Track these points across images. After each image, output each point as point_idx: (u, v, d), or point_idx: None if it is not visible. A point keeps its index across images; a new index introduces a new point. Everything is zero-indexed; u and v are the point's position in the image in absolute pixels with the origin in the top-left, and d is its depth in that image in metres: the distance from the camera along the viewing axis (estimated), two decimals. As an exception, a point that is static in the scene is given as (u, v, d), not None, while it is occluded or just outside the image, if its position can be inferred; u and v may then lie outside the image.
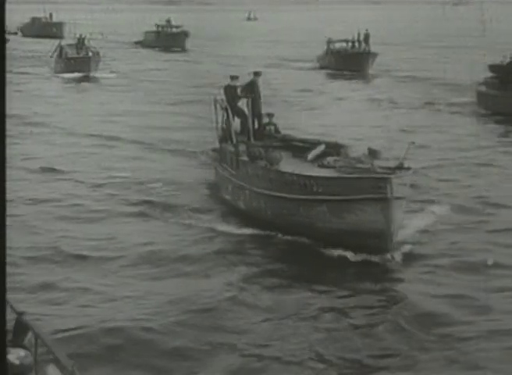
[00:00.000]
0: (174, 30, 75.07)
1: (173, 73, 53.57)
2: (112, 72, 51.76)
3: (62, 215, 19.54)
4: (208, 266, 15.92)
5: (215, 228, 18.04)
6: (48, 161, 25.41)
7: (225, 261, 16.20)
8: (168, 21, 75.68)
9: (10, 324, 7.69)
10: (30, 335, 7.37)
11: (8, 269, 13.36)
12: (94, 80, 48.85)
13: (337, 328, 12.97)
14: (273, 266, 16.00)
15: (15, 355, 7.05)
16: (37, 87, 45.96)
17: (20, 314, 7.50)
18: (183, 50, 71.09)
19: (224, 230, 17.88)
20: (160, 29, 75.40)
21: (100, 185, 22.41)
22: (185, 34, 73.19)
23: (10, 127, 32.07)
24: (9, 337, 7.61)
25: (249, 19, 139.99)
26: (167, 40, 73.24)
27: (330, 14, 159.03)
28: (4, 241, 4.24)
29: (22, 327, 7.48)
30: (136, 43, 76.87)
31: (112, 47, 69.23)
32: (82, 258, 16.29)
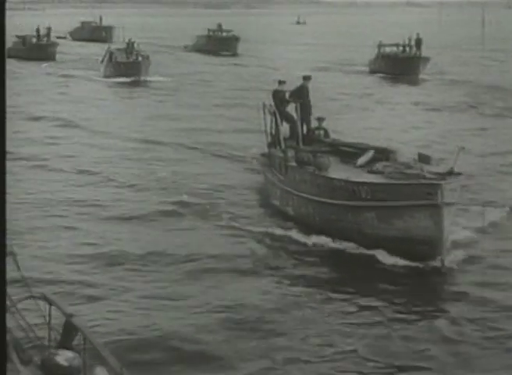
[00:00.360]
0: (225, 34, 75.16)
1: (223, 77, 53.45)
2: (162, 76, 51.13)
3: (101, 215, 19.64)
4: (253, 268, 15.93)
5: (262, 231, 18.06)
6: (87, 162, 25.59)
7: (269, 264, 16.18)
8: (220, 25, 75.81)
9: (59, 326, 7.77)
10: (78, 337, 7.41)
11: (52, 268, 13.36)
12: (144, 84, 48.56)
13: (385, 335, 12.91)
14: (319, 269, 15.93)
15: (63, 357, 7.08)
16: (83, 91, 45.86)
17: (69, 316, 7.54)
18: (234, 54, 71.11)
19: (270, 233, 17.90)
20: (211, 33, 75.54)
21: (138, 186, 22.49)
22: (236, 39, 73.25)
23: (52, 129, 32.58)
24: (58, 338, 7.70)
25: (298, 22, 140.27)
26: (218, 44, 73.32)
27: (379, 18, 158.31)
28: (4, 244, 4.26)
29: (71, 329, 7.51)
30: (188, 47, 77.09)
31: (162, 51, 69.43)
32: (122, 257, 16.37)
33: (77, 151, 27.65)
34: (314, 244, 17.10)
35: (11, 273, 8.04)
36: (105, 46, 54.94)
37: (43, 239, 17.69)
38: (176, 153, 27.43)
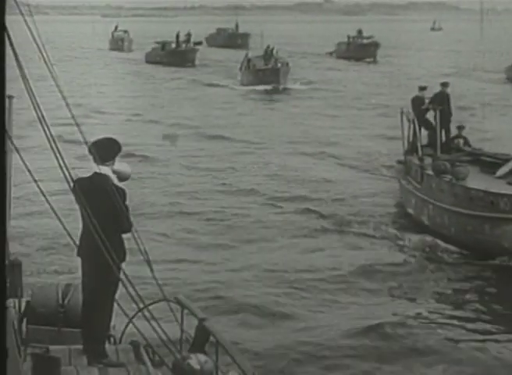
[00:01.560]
0: (365, 41, 74.54)
1: (361, 83, 52.22)
2: (301, 83, 50.39)
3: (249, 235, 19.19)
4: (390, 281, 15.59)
5: (397, 242, 17.77)
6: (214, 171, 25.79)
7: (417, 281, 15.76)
8: (360, 32, 75.32)
9: (190, 329, 7.73)
10: (211, 341, 7.36)
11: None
12: (283, 91, 47.64)
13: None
14: (457, 284, 15.49)
15: (195, 360, 7.03)
16: (220, 98, 45.62)
17: (202, 320, 7.50)
18: (373, 61, 70.44)
19: (405, 244, 17.56)
20: (351, 40, 75.10)
21: (277, 199, 22.35)
22: (375, 45, 72.62)
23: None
24: (191, 341, 7.67)
25: (433, 29, 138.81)
26: (357, 50, 72.69)
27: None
28: (4, 244, 4.21)
29: (203, 333, 7.48)
30: (329, 54, 76.88)
31: (301, 58, 69.29)
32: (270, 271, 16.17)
33: (206, 158, 27.86)
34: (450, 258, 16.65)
35: (143, 273, 8.00)
36: (241, 52, 54.85)
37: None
38: (313, 162, 27.24)
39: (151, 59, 67.82)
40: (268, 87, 47.85)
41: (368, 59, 70.53)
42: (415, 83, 22.39)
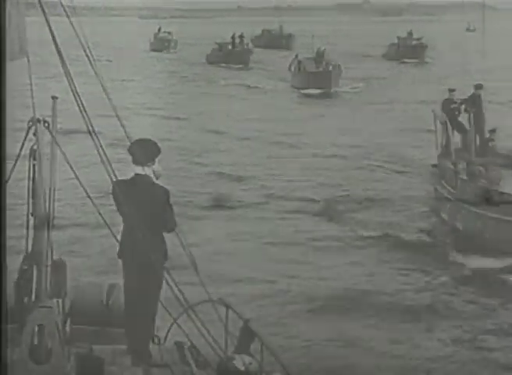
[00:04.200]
0: (413, 42, 73.94)
1: (411, 87, 51.18)
2: (352, 87, 48.86)
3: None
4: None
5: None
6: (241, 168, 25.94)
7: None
8: (410, 33, 74.75)
9: (236, 330, 7.87)
10: (255, 342, 7.48)
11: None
12: (334, 95, 46.35)
13: None
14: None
15: (240, 361, 7.17)
16: (271, 101, 44.67)
17: (246, 321, 7.63)
18: (421, 62, 69.87)
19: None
20: (400, 41, 74.56)
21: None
22: (421, 47, 72.05)
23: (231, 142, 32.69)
24: (235, 343, 7.81)
25: (468, 29, 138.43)
26: (405, 52, 72.05)
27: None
28: (4, 245, 4.37)
29: (248, 334, 7.60)
30: (383, 56, 76.35)
31: (352, 59, 68.73)
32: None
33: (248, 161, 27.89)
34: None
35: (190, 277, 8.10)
36: (285, 53, 54.28)
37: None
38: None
39: (212, 60, 68.98)
40: (319, 90, 46.34)
41: (414, 60, 69.93)
42: (462, 84, 22.11)
